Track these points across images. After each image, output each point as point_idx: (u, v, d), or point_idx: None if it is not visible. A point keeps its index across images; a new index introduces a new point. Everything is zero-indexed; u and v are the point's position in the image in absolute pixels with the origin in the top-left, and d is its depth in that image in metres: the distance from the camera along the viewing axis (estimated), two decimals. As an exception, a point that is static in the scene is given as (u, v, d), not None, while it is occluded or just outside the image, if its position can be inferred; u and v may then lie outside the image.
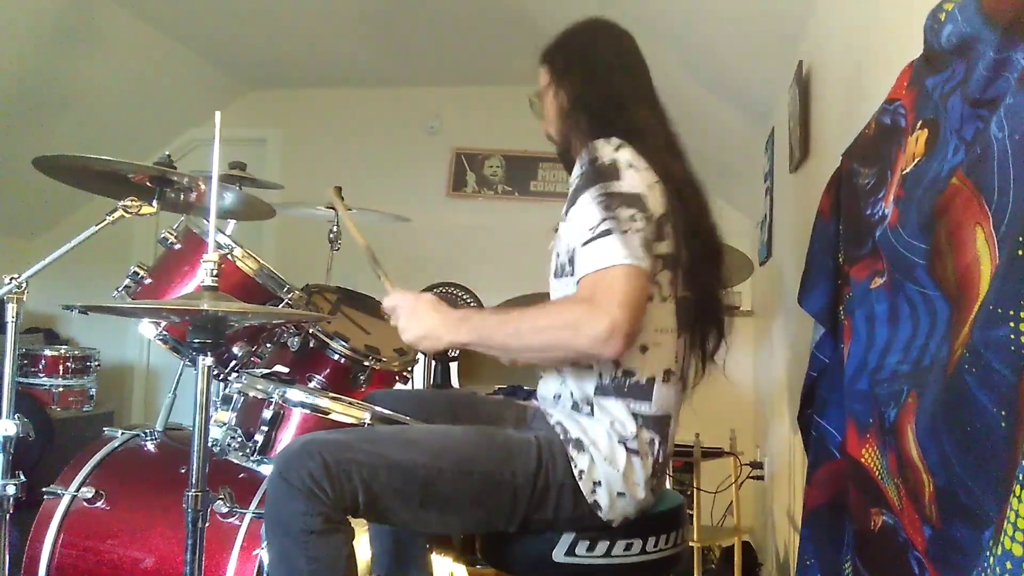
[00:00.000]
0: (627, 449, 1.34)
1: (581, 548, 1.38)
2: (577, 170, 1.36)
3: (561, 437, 1.36)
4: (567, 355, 1.34)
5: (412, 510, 1.32)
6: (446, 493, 1.31)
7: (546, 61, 1.55)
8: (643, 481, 1.36)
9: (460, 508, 1.33)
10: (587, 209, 1.29)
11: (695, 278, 1.41)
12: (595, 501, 1.34)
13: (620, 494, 1.35)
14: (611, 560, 1.39)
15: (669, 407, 1.40)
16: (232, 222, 2.50)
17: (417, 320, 1.38)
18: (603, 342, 1.22)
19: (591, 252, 1.27)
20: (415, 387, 2.76)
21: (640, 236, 1.27)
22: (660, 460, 1.39)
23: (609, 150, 1.33)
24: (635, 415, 1.36)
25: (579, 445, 1.35)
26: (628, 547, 1.40)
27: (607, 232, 1.26)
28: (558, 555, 1.38)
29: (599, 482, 1.34)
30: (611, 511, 1.35)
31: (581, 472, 1.33)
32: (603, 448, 1.34)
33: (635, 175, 1.32)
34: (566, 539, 1.38)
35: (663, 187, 1.36)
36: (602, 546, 1.38)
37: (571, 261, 1.36)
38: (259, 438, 1.63)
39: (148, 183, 1.83)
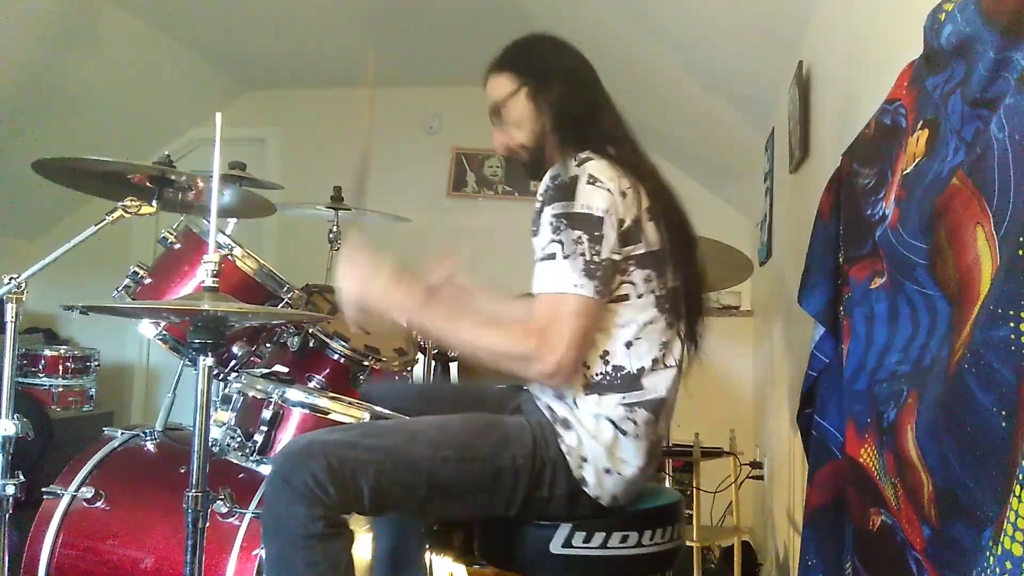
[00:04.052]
0: (615, 426, 1.37)
1: (578, 539, 1.39)
2: (541, 188, 1.41)
3: (549, 417, 1.40)
4: (516, 375, 1.40)
5: (417, 501, 1.34)
6: (450, 482, 1.33)
7: (508, 69, 1.58)
8: (631, 458, 1.38)
9: (464, 495, 1.36)
10: (543, 228, 1.36)
11: (677, 268, 1.45)
12: (582, 477, 1.37)
13: (607, 470, 1.37)
14: (607, 552, 1.40)
15: (662, 390, 1.42)
16: (232, 221, 2.50)
17: (368, 292, 1.42)
18: (547, 378, 1.35)
19: (539, 273, 1.35)
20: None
21: (583, 260, 1.31)
22: (653, 437, 1.41)
23: (572, 166, 1.38)
24: (625, 403, 1.38)
25: (566, 424, 1.38)
26: (624, 539, 1.41)
27: (551, 256, 1.33)
28: (555, 547, 1.39)
29: (585, 458, 1.37)
30: (598, 487, 1.37)
31: (570, 448, 1.37)
32: (589, 426, 1.37)
33: (593, 192, 1.35)
34: (563, 530, 1.39)
35: (637, 190, 1.40)
36: (599, 537, 1.40)
37: None
38: (258, 438, 1.63)
39: (148, 183, 1.83)
